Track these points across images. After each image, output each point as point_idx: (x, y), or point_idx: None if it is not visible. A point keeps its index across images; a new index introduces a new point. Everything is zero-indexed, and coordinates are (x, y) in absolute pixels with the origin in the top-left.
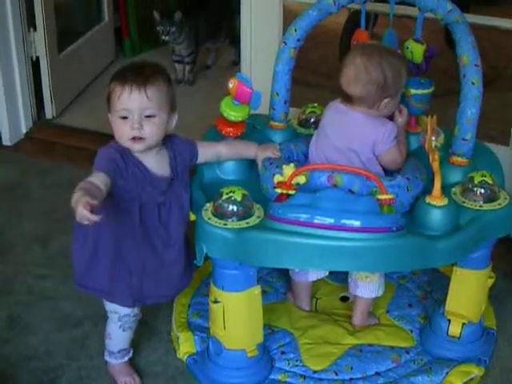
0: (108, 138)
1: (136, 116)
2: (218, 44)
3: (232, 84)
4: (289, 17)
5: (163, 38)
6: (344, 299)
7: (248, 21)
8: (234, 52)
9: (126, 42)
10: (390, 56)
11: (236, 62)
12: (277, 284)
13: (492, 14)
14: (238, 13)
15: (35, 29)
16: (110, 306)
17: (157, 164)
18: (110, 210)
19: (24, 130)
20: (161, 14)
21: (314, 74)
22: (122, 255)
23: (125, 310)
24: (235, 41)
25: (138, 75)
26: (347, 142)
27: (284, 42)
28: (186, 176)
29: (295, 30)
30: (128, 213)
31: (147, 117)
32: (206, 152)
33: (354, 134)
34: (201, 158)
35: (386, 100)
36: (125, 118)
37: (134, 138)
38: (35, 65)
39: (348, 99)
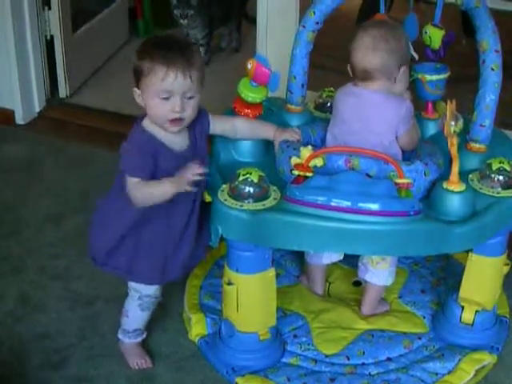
0: (120, 117)
1: (179, 98)
2: (231, 28)
3: (250, 65)
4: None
5: (181, 21)
6: (357, 284)
7: (264, 4)
8: (237, 38)
9: (140, 23)
10: (398, 26)
11: (237, 49)
12: (290, 267)
13: None
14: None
15: (50, 8)
16: (132, 284)
17: (181, 140)
18: None
19: (37, 109)
20: None
21: (329, 58)
22: (147, 234)
23: (147, 290)
24: (240, 28)
25: (182, 57)
26: (368, 124)
27: (303, 26)
28: (205, 145)
29: (314, 13)
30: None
31: (188, 98)
32: (223, 124)
33: (375, 116)
34: (217, 129)
35: (402, 68)
36: (166, 98)
37: (173, 120)
38: (49, 44)
39: (365, 75)
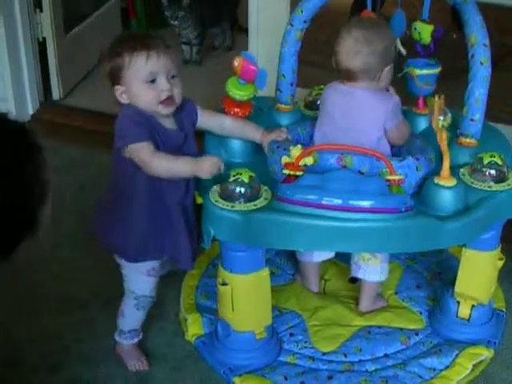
0: (114, 118)
1: (163, 78)
2: (223, 27)
3: (237, 62)
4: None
5: (171, 22)
6: (353, 280)
7: (255, 2)
8: (230, 37)
9: (133, 23)
10: (382, 26)
11: (230, 48)
12: (285, 265)
13: None
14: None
15: (41, 10)
16: (128, 284)
17: (171, 124)
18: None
19: (31, 111)
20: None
21: (321, 54)
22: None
23: (143, 291)
24: (232, 27)
25: (157, 39)
26: (355, 122)
27: (290, 24)
28: (192, 135)
29: (301, 12)
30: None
31: (172, 77)
32: (211, 119)
33: (363, 113)
34: (205, 123)
35: (386, 68)
36: (152, 81)
37: (165, 100)
38: (42, 46)
39: (348, 75)
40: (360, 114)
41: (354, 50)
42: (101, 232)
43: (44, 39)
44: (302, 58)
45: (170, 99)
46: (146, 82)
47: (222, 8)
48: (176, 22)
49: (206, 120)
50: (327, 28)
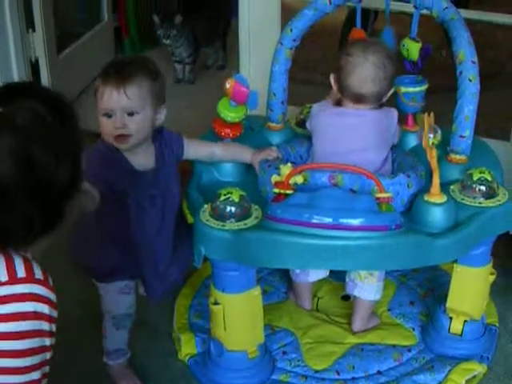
0: None
1: (118, 115)
2: (216, 46)
3: (229, 84)
4: (288, 16)
5: (164, 41)
6: (345, 298)
7: (246, 21)
8: (223, 57)
9: (126, 42)
10: (386, 47)
11: (223, 67)
12: (278, 284)
13: (495, 7)
14: (235, 17)
15: (34, 30)
16: (104, 304)
17: (144, 160)
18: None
19: None
20: (161, 18)
21: (316, 72)
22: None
23: (118, 310)
24: (225, 46)
25: (118, 74)
26: (368, 142)
27: (280, 43)
28: (175, 169)
29: (291, 30)
30: (120, 207)
31: (130, 114)
32: (199, 149)
33: (377, 132)
34: (193, 155)
35: (392, 90)
36: (109, 116)
37: (118, 137)
38: (34, 66)
39: (358, 99)
40: (373, 134)
41: (372, 76)
42: (73, 252)
43: (37, 59)
44: (295, 76)
45: (122, 136)
46: (103, 115)
47: (215, 27)
48: (168, 41)
49: (194, 151)
50: (321, 45)
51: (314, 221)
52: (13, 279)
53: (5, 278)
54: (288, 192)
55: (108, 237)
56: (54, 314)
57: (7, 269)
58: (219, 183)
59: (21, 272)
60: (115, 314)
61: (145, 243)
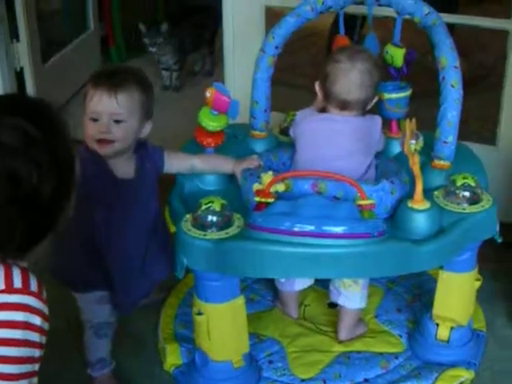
0: None
1: (105, 119)
2: (203, 52)
3: (209, 93)
4: (274, 22)
5: (150, 49)
6: (332, 306)
7: (231, 28)
8: (210, 63)
9: (113, 50)
10: (371, 54)
11: (211, 73)
12: (264, 292)
13: (485, 11)
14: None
15: (18, 39)
16: (83, 314)
17: (123, 169)
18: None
19: None
20: (147, 26)
21: (303, 76)
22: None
23: (98, 318)
24: (212, 52)
25: (112, 80)
26: (352, 148)
27: (262, 50)
28: (154, 183)
29: (273, 38)
30: (92, 216)
31: (116, 121)
32: (180, 163)
33: (360, 139)
34: (173, 169)
35: (376, 97)
36: (95, 120)
37: (100, 141)
38: (19, 76)
39: (344, 105)
40: (359, 139)
41: (358, 83)
42: (51, 262)
43: (21, 69)
44: (282, 81)
45: (105, 141)
46: (89, 118)
47: (202, 33)
48: (154, 49)
49: (175, 164)
50: (308, 50)
51: (296, 229)
52: (9, 289)
53: (2, 287)
54: (269, 200)
55: (80, 246)
56: (45, 326)
57: (5, 278)
58: (202, 192)
59: (17, 282)
60: (95, 323)
61: (116, 255)
